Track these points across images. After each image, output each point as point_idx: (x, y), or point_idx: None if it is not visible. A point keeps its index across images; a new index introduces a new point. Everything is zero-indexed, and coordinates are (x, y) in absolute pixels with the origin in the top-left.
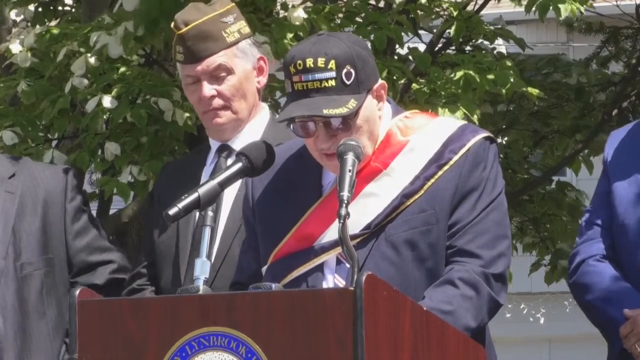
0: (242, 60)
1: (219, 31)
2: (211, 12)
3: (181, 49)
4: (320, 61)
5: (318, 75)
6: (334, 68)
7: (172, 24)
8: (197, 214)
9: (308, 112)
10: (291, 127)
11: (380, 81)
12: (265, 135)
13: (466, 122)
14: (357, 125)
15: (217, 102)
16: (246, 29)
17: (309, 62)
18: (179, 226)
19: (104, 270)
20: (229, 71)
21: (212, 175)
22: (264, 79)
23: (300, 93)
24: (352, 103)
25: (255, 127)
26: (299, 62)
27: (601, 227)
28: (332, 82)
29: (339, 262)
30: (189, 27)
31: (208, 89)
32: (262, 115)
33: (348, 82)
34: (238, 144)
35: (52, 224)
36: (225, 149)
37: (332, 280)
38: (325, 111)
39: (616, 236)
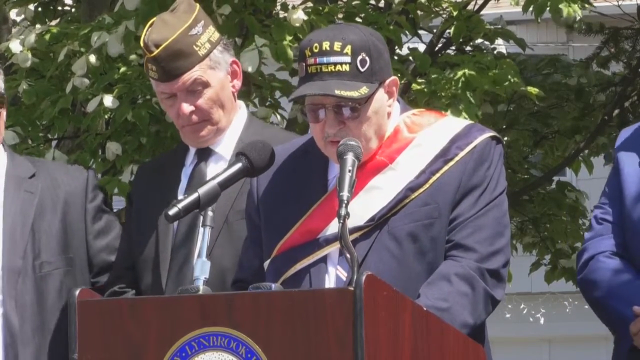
0: (216, 70)
1: (190, 46)
2: (179, 25)
3: (154, 68)
4: (337, 45)
5: (333, 59)
6: (349, 53)
7: (142, 44)
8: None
9: (320, 90)
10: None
11: (392, 77)
12: (243, 133)
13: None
14: (367, 116)
15: (196, 117)
16: (215, 35)
17: (326, 45)
18: (159, 230)
19: None
20: (205, 84)
21: (191, 178)
22: (238, 82)
23: (314, 75)
24: (364, 89)
25: (235, 128)
26: (315, 45)
27: (612, 223)
28: (346, 67)
29: (341, 253)
30: (160, 49)
31: (186, 106)
32: (240, 115)
33: (362, 70)
34: (220, 147)
35: (73, 224)
36: (205, 152)
37: (334, 272)
38: (337, 92)
39: (627, 232)
